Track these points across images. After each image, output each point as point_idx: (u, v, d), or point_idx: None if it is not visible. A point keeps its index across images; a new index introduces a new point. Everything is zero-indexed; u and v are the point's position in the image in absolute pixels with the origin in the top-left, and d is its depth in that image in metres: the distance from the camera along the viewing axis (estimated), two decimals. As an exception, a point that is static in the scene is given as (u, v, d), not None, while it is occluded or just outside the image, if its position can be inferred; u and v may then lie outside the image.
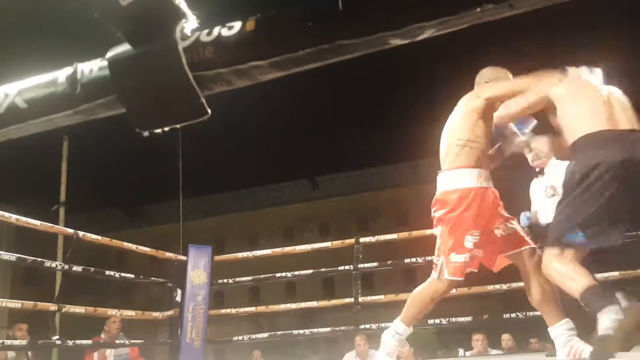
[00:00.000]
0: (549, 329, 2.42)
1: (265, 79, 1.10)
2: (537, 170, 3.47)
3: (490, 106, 2.49)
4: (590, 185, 2.13)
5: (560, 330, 2.36)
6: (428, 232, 5.13)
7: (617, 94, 2.45)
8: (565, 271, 2.14)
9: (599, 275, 4.68)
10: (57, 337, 4.22)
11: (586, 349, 2.21)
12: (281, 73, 1.08)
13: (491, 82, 2.63)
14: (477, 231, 2.42)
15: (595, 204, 2.12)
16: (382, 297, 5.07)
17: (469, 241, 2.40)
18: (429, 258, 5.25)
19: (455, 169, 2.50)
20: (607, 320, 1.89)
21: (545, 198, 3.33)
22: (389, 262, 5.16)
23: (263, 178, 26.49)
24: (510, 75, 2.68)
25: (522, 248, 2.47)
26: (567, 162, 2.47)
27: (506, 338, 6.36)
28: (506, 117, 2.53)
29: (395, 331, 2.59)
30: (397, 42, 1.03)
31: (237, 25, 1.05)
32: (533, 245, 2.50)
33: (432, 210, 2.60)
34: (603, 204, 2.12)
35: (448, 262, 2.45)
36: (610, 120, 2.26)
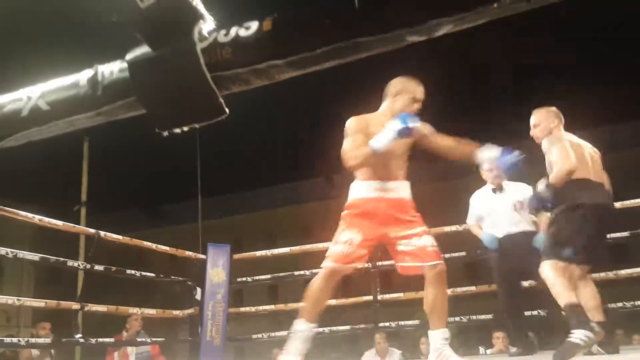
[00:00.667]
0: (429, 332, 2.70)
1: (283, 78, 1.10)
2: (494, 187, 3.93)
3: (362, 131, 2.69)
4: (580, 217, 2.88)
5: (437, 337, 2.65)
6: (447, 229, 5.12)
7: (591, 150, 3.15)
8: (555, 284, 2.79)
9: (622, 272, 4.65)
10: (79, 335, 4.28)
11: (452, 357, 2.59)
12: (298, 72, 1.08)
13: (399, 94, 2.73)
14: (356, 229, 2.70)
15: (582, 231, 2.88)
16: (401, 294, 5.05)
17: (345, 235, 2.70)
18: (447, 256, 5.22)
19: (353, 182, 2.83)
20: (582, 334, 2.53)
21: (512, 211, 3.87)
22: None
23: (280, 177, 26.59)
24: (420, 87, 2.74)
25: (429, 263, 2.65)
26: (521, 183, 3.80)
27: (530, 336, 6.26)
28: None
29: (295, 329, 2.68)
30: (414, 39, 1.02)
31: (254, 25, 1.05)
32: (437, 262, 2.66)
33: None
34: (586, 233, 2.89)
35: (328, 253, 2.74)
36: (592, 171, 3.03)
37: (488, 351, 5.97)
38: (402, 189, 2.79)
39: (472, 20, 1.00)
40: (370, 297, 5.03)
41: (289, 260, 5.78)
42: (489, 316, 4.76)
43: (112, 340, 5.21)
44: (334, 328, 5.28)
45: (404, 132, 2.52)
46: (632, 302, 4.45)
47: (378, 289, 5.01)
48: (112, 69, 1.19)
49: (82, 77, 1.25)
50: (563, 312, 2.76)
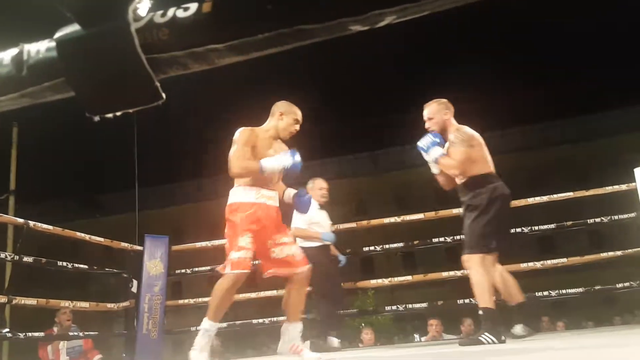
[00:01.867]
0: (284, 325, 3.04)
1: (223, 63, 1.06)
2: (320, 204, 4.80)
3: (251, 144, 3.06)
4: (495, 209, 3.10)
5: (292, 329, 2.98)
6: (386, 220, 5.21)
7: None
8: (485, 284, 3.02)
9: (548, 262, 4.90)
10: (7, 329, 4.08)
11: (305, 349, 2.93)
12: (239, 57, 1.05)
13: (284, 115, 3.15)
14: (250, 233, 2.95)
15: (500, 222, 3.12)
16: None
17: (243, 241, 2.94)
18: (387, 246, 5.32)
19: (236, 187, 3.12)
20: (490, 338, 2.89)
21: (330, 225, 4.86)
22: (347, 251, 5.19)
23: (222, 167, 26.19)
24: (300, 111, 3.20)
25: (297, 270, 2.99)
26: None
27: (468, 322, 6.50)
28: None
29: (203, 328, 2.97)
30: (357, 28, 1.01)
31: (193, 6, 1.01)
32: (305, 268, 3.02)
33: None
34: (503, 222, 3.15)
35: (230, 260, 2.96)
36: (491, 163, 3.27)
37: (422, 338, 6.15)
38: (277, 198, 3.14)
39: (415, 12, 1.00)
40: (311, 288, 5.05)
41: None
42: (424, 305, 4.89)
43: (42, 334, 4.99)
44: (275, 319, 5.27)
45: (291, 168, 2.97)
46: (557, 291, 4.69)
47: (319, 280, 5.04)
48: (39, 48, 1.11)
49: (6, 56, 1.16)
50: (480, 312, 3.08)
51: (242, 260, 2.91)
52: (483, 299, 3.01)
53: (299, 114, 3.21)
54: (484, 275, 3.04)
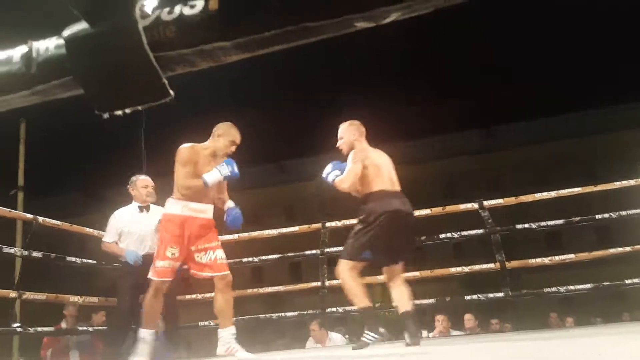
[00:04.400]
0: (218, 330, 3.19)
1: (229, 60, 1.07)
2: (142, 205, 4.31)
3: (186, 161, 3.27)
4: (378, 225, 3.25)
5: (226, 333, 3.15)
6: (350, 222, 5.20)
7: (388, 162, 3.55)
8: (353, 287, 3.22)
9: (556, 258, 4.88)
10: (17, 324, 4.12)
11: (240, 350, 3.09)
12: (246, 55, 1.06)
13: (221, 136, 3.35)
14: (175, 245, 3.19)
15: (380, 236, 3.26)
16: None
17: (169, 252, 3.18)
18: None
19: (170, 198, 3.32)
20: (371, 336, 3.02)
21: (155, 232, 4.10)
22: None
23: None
24: (239, 135, 3.40)
25: (219, 274, 3.20)
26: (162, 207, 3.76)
27: (468, 317, 6.51)
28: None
29: (139, 337, 3.20)
30: (363, 25, 1.02)
31: (199, 3, 1.01)
32: (226, 273, 3.22)
33: None
34: (382, 237, 3.26)
35: (155, 268, 3.20)
36: (390, 181, 3.42)
37: (430, 334, 6.14)
38: (209, 211, 3.35)
39: (421, 8, 1.00)
40: (318, 283, 5.06)
41: (237, 246, 5.73)
42: (432, 300, 4.89)
43: (52, 329, 5.04)
44: (282, 314, 5.29)
45: (229, 177, 3.22)
46: (565, 287, 4.67)
47: (325, 275, 5.05)
48: (48, 46, 1.12)
49: (16, 53, 1.17)
50: (359, 312, 3.33)
51: (166, 269, 3.17)
52: (358, 300, 3.20)
53: (237, 137, 3.38)
54: (351, 279, 3.25)
